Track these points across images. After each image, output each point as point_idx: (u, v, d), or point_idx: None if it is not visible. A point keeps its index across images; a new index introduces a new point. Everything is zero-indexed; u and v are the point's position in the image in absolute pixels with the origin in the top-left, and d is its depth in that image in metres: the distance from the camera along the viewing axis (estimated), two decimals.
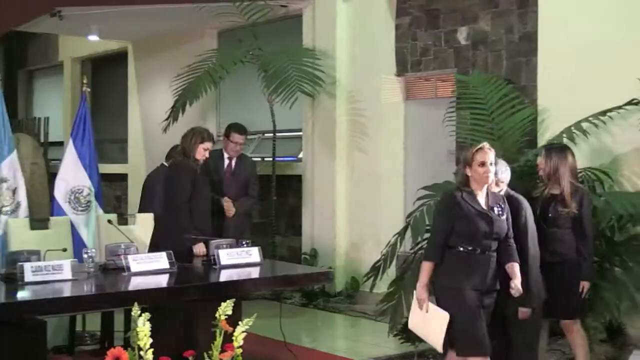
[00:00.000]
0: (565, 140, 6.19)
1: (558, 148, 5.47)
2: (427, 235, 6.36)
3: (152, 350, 3.69)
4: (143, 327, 3.65)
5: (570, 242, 5.26)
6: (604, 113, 6.39)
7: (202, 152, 6.06)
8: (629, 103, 6.35)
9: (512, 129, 6.89)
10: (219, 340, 3.91)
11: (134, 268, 4.89)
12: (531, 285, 4.74)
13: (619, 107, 6.37)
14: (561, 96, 7.03)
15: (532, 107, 7.18)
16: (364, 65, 8.83)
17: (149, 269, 4.93)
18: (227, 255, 5.27)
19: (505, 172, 4.94)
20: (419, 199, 6.50)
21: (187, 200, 5.98)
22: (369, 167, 8.73)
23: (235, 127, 7.44)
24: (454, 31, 8.09)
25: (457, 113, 7.24)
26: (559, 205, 5.20)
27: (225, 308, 3.94)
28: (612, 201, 5.73)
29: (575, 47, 7.00)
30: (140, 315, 3.68)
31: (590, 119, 6.38)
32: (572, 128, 6.33)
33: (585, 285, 5.26)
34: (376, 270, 6.27)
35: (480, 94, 6.99)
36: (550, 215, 5.24)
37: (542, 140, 7.02)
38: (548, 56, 7.25)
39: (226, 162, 7.42)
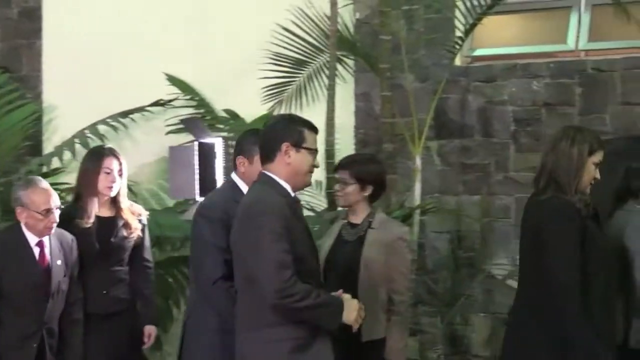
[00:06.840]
0: (78, 148, 5.99)
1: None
2: None
3: None
4: None
5: None
6: (125, 114, 6.32)
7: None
8: (155, 104, 6.30)
9: (10, 130, 6.46)
10: None
11: None
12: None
13: (142, 108, 6.33)
14: (73, 91, 6.65)
15: (37, 103, 6.86)
16: None
17: None
18: None
19: None
20: None
21: None
22: None
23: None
24: None
25: None
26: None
27: None
28: None
29: (91, 30, 6.64)
30: None
31: (109, 120, 6.29)
32: (87, 131, 6.15)
33: None
34: None
35: None
36: None
37: (48, 146, 6.71)
38: (56, 39, 6.89)
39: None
